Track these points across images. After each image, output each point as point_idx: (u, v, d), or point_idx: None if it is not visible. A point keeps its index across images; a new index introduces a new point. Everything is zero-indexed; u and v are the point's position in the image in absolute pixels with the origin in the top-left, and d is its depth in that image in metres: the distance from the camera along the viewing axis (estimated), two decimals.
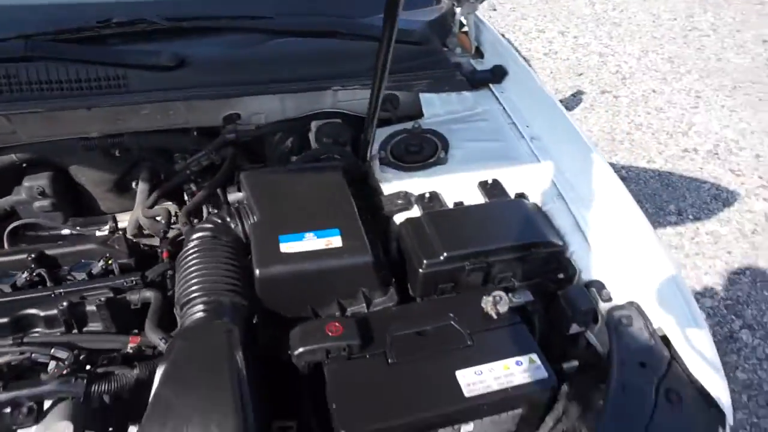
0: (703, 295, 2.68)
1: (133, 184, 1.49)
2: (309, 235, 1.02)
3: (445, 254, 1.05)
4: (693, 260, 2.89)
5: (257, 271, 0.98)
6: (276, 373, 1.00)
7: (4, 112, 1.23)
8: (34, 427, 0.83)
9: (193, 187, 1.43)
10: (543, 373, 0.95)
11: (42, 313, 0.96)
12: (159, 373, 0.84)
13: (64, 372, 0.87)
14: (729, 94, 4.26)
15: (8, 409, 0.87)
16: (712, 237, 3.03)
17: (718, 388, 0.95)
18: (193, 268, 0.97)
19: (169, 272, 1.11)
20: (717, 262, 2.88)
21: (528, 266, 1.11)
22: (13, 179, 1.40)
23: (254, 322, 1.04)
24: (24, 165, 1.40)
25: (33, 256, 1.10)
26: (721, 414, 0.92)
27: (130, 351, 0.98)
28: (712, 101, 4.19)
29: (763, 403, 2.24)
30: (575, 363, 1.06)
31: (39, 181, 1.38)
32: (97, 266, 1.07)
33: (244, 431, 0.78)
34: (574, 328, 1.08)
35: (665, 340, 1.02)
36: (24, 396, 0.83)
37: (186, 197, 1.42)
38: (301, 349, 0.93)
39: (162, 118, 1.38)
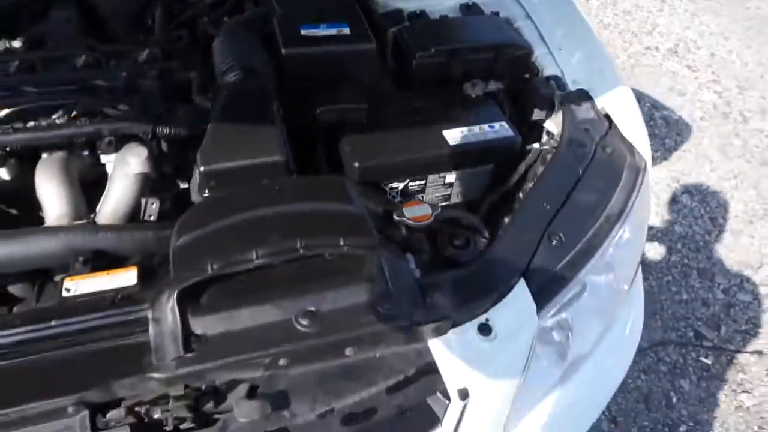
0: (652, 167, 3.01)
1: (149, 22, 1.66)
2: (323, 26, 1.24)
3: (433, 49, 1.29)
4: None
5: (283, 50, 1.19)
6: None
7: None
8: (114, 154, 1.06)
9: (206, 19, 1.61)
10: (510, 133, 1.22)
11: (106, 84, 1.16)
12: (212, 113, 1.06)
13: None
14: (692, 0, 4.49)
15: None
16: (665, 121, 3.34)
17: (643, 144, 1.24)
18: (228, 44, 1.18)
19: None
20: (667, 141, 3.20)
21: (500, 65, 1.35)
22: (41, 11, 1.55)
23: None
24: None
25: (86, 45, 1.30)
26: (643, 159, 1.21)
27: None
28: (676, 5, 4.41)
29: (694, 249, 2.63)
30: (536, 145, 1.33)
31: (66, 11, 1.53)
32: (143, 54, 1.26)
33: (286, 154, 1.02)
34: (537, 114, 1.34)
35: (607, 116, 1.29)
36: (105, 129, 1.05)
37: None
38: (323, 108, 1.17)
39: None
